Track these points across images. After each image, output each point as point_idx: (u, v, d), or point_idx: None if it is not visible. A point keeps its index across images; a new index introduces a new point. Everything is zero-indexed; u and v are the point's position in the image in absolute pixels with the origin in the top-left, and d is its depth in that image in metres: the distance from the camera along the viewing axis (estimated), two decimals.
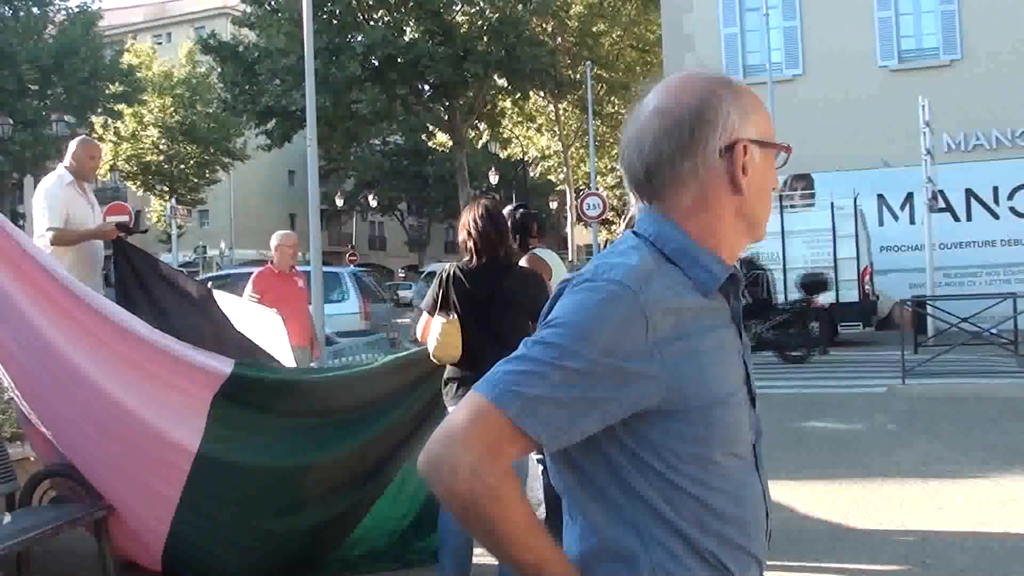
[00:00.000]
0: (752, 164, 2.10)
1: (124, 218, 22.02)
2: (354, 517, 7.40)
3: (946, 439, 12.63)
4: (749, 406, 2.13)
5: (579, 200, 39.76)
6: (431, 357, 6.40)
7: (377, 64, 41.85)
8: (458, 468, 1.86)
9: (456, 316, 6.30)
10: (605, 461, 2.01)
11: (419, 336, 6.79)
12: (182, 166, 67.07)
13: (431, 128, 54.09)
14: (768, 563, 2.15)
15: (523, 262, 7.36)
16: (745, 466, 2.10)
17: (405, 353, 7.80)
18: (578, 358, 1.90)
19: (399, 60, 41.57)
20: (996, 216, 30.55)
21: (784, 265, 26.16)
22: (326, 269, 19.85)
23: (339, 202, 69.20)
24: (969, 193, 30.74)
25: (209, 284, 10.13)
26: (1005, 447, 11.94)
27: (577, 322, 1.93)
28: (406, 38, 42.30)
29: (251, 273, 12.52)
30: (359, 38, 41.95)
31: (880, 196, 30.98)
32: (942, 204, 28.98)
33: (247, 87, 44.70)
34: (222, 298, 9.00)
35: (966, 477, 10.39)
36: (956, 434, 12.98)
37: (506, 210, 7.51)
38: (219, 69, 48.06)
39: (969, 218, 30.73)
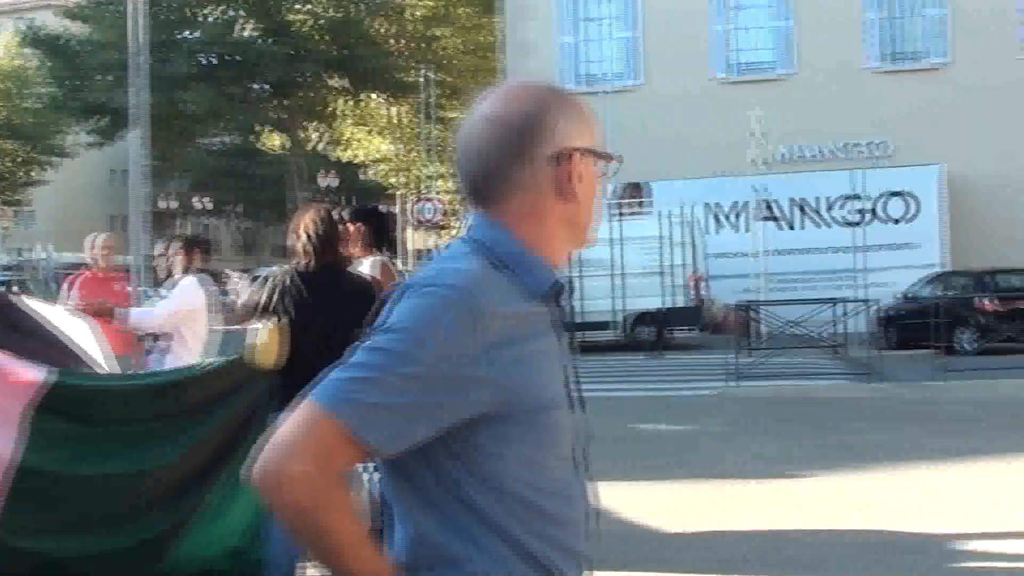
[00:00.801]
0: (582, 173, 2.11)
1: None
2: (176, 533, 7.11)
3: (778, 439, 12.85)
4: (573, 410, 2.12)
5: (415, 204, 39.61)
6: (255, 362, 6.23)
7: (209, 62, 41.10)
8: (290, 477, 1.83)
9: (284, 321, 6.14)
10: (436, 467, 1.99)
11: (255, 340, 6.60)
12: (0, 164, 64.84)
13: (264, 129, 53.33)
14: (607, 567, 2.13)
15: (372, 268, 7.20)
16: (571, 469, 2.10)
17: (224, 359, 7.55)
18: (413, 364, 1.89)
19: (233, 58, 40.89)
20: (823, 224, 31.35)
21: (622, 271, 26.45)
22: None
23: (164, 204, 67.59)
24: (798, 202, 31.49)
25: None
26: (835, 446, 12.19)
27: (412, 327, 1.92)
28: (243, 35, 41.59)
29: (71, 275, 12.08)
30: (191, 34, 41.13)
31: (712, 204, 31.52)
32: (772, 213, 29.74)
33: (74, 82, 43.49)
34: (30, 305, 8.60)
35: (800, 476, 10.54)
36: (787, 434, 13.22)
37: (340, 212, 7.33)
38: (43, 63, 46.67)
39: (801, 226, 31.48)
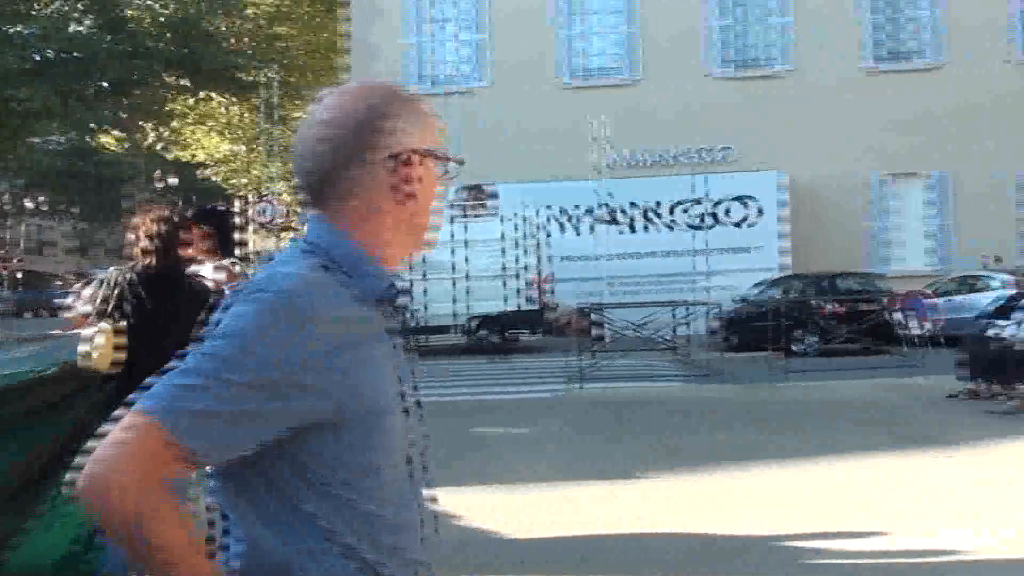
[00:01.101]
0: (421, 174, 2.11)
1: None
2: (6, 542, 6.75)
3: (620, 440, 12.84)
4: (409, 415, 2.10)
5: (256, 206, 39.05)
6: (91, 366, 5.94)
7: (43, 57, 39.84)
8: (116, 486, 1.79)
9: (122, 324, 5.87)
10: (268, 475, 1.95)
11: (90, 344, 6.30)
12: None
13: (102, 128, 51.98)
14: (447, 573, 2.16)
15: (215, 272, 6.97)
16: (407, 475, 2.09)
17: (57, 364, 7.20)
18: (243, 370, 1.86)
19: (69, 54, 39.71)
20: (665, 228, 31.67)
21: (464, 274, 26.33)
22: None
23: None
24: (641, 206, 31.76)
25: None
26: (677, 446, 12.23)
27: (242, 333, 1.89)
28: (80, 31, 40.38)
29: None
30: (24, 28, 39.78)
31: (556, 207, 31.60)
32: (615, 216, 29.97)
33: None
34: None
35: (642, 477, 10.50)
36: (629, 435, 13.22)
37: (182, 213, 7.06)
38: None
39: (644, 230, 31.76)
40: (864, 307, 24.06)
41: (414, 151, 2.08)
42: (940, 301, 24.51)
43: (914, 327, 21.25)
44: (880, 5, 33.81)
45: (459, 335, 27.17)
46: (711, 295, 25.31)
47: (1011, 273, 22.92)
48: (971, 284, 26.35)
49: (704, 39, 33.80)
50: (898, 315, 22.19)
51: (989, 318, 17.26)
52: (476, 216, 29.03)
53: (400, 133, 2.07)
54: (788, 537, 8.04)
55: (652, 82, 33.15)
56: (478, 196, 31.00)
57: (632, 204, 31.64)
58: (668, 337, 22.23)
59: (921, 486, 9.80)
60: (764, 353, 20.66)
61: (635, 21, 34.04)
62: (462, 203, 29.10)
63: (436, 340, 26.01)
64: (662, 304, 22.66)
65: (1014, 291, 18.21)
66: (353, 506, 1.97)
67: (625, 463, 11.30)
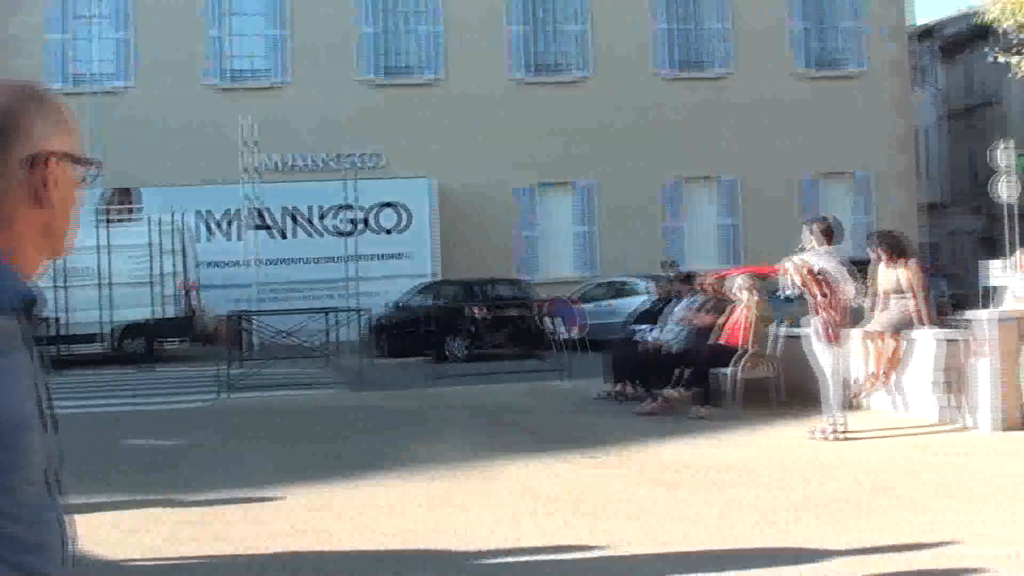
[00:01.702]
0: (58, 177, 1.99)
1: None
2: None
3: (266, 451, 12.58)
4: (46, 430, 1.98)
5: None
6: None
7: None
8: None
9: None
10: None
11: None
12: None
13: None
14: None
15: None
16: (45, 493, 1.95)
17: None
18: None
19: None
20: (316, 234, 31.54)
21: (109, 280, 25.42)
22: None
23: None
24: (291, 211, 31.55)
25: None
26: (325, 455, 12.07)
27: None
28: None
29: None
30: None
31: (205, 212, 31.03)
32: (264, 221, 29.65)
33: None
34: None
35: (290, 487, 10.22)
36: (278, 445, 13.01)
37: None
38: None
39: (294, 235, 31.56)
40: (514, 312, 24.58)
41: (51, 153, 1.96)
42: (587, 306, 25.29)
43: (562, 332, 21.79)
44: (531, 18, 34.67)
45: (104, 344, 26.27)
46: (362, 301, 25.27)
47: (654, 279, 23.83)
48: (617, 290, 27.28)
49: (355, 45, 33.86)
50: (547, 320, 22.72)
51: (635, 322, 17.88)
52: (120, 220, 28.08)
53: (37, 134, 1.96)
54: (449, 544, 8.01)
55: (301, 86, 33.03)
56: (122, 200, 30.00)
57: (282, 209, 31.42)
58: (319, 344, 22.06)
59: (572, 487, 9.91)
60: (416, 359, 20.77)
61: (285, 24, 33.80)
62: (106, 207, 28.06)
63: (80, 349, 25.16)
64: (311, 311, 22.47)
65: (656, 296, 18.92)
66: None
67: (276, 474, 11.03)
